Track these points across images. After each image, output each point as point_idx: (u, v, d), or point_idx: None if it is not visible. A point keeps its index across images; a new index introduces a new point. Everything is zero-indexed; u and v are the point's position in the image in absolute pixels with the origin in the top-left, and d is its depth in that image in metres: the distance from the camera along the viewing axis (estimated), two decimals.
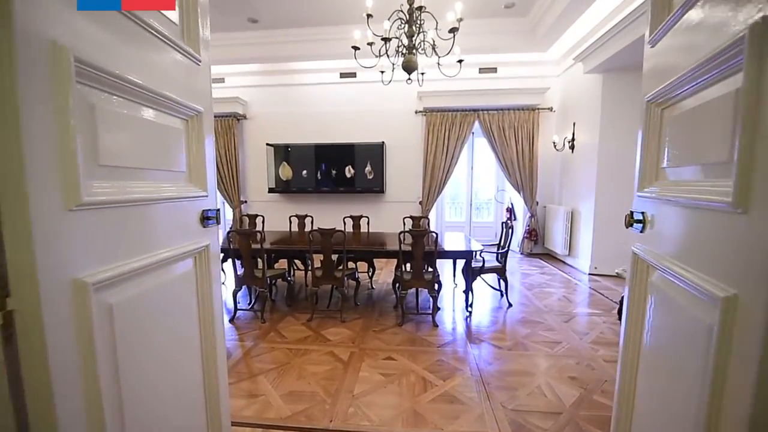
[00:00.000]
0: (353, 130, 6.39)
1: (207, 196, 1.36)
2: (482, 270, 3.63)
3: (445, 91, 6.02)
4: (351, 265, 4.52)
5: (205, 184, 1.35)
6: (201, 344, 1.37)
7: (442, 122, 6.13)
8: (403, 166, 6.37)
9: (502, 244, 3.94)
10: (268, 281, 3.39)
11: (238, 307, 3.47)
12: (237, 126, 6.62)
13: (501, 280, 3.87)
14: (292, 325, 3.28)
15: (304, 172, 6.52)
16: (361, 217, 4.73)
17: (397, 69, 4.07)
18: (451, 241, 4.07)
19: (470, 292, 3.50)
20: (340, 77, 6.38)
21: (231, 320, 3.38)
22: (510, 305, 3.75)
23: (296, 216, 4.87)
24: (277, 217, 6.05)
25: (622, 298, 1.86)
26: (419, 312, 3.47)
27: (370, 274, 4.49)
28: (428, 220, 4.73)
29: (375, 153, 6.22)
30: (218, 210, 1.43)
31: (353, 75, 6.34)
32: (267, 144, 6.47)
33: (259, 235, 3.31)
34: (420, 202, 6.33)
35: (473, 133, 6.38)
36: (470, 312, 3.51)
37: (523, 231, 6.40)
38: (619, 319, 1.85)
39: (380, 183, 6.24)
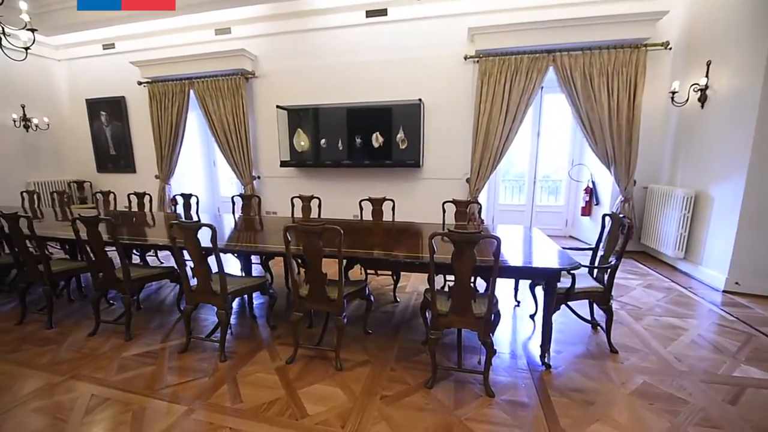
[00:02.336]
0: (383, 85, 4.98)
1: None
2: (571, 295, 2.20)
3: (508, 25, 4.36)
4: (363, 270, 3.32)
5: None
6: None
7: (502, 70, 4.50)
8: (447, 131, 4.89)
9: (604, 250, 2.45)
10: (230, 299, 2.26)
11: (192, 335, 2.40)
12: (245, 86, 5.50)
13: (597, 308, 2.43)
14: (261, 369, 2.14)
15: (323, 141, 5.28)
16: (384, 200, 3.43)
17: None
18: (510, 240, 2.64)
19: (549, 332, 2.11)
20: (367, 16, 4.92)
21: (182, 351, 2.34)
22: (612, 350, 2.30)
23: (299, 197, 3.69)
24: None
25: None
26: (462, 366, 2.14)
27: (393, 278, 3.22)
28: (479, 206, 3.32)
29: (410, 115, 4.79)
30: None
31: (383, 12, 4.86)
32: (278, 107, 5.29)
33: (210, 228, 2.15)
34: (467, 180, 4.85)
35: (542, 87, 4.67)
36: (548, 365, 2.13)
37: None
38: None
39: (416, 154, 4.84)
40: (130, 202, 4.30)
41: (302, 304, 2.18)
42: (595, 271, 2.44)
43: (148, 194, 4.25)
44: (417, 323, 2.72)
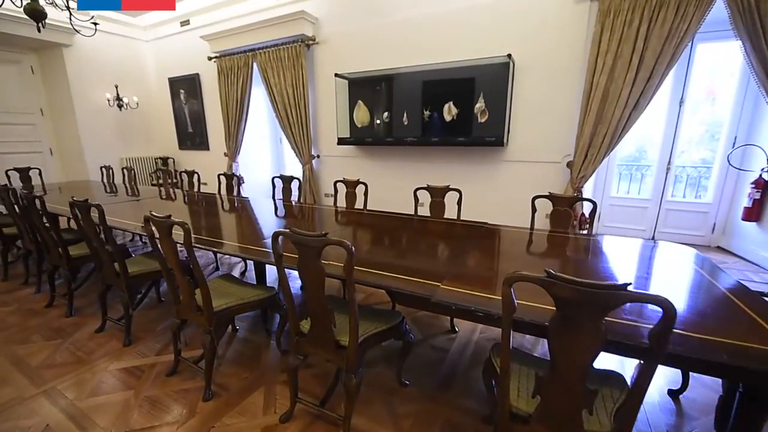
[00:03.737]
0: (460, 42, 3.94)
1: None
2: None
3: None
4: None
5: None
6: None
7: (636, 7, 3.11)
8: (543, 98, 3.67)
9: None
10: (214, 320, 1.67)
11: (182, 357, 1.91)
12: (305, 54, 4.95)
13: None
14: (245, 425, 1.53)
15: (385, 114, 4.50)
16: (447, 190, 2.54)
17: None
18: (630, 267, 1.57)
19: None
20: None
21: (170, 374, 1.87)
22: None
23: (343, 182, 3.00)
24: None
25: None
26: None
27: None
28: (593, 205, 2.20)
29: (493, 78, 3.69)
30: None
31: None
32: (336, 75, 4.63)
33: (182, 227, 1.56)
34: (569, 164, 3.62)
35: (694, 36, 3.12)
36: None
37: None
38: None
39: (499, 129, 3.75)
40: (181, 180, 4.13)
41: (300, 346, 1.49)
42: None
43: (196, 173, 4.02)
44: (479, 376, 1.85)
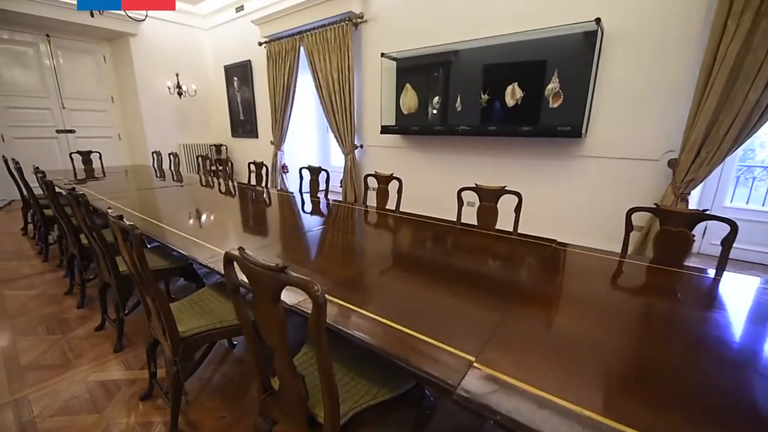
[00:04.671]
0: (530, 7, 3.21)
1: None
2: None
3: None
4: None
5: None
6: None
7: None
8: (639, 78, 2.81)
9: None
10: (181, 348, 1.31)
11: (156, 380, 1.60)
12: (352, 34, 4.53)
13: None
14: None
15: (436, 98, 3.92)
16: (502, 192, 1.94)
17: None
18: None
19: None
20: None
21: (143, 398, 1.58)
22: None
23: (375, 176, 2.53)
24: (401, 173, 3.73)
25: None
26: None
27: None
28: (734, 228, 1.46)
29: (573, 50, 2.93)
30: None
31: None
32: (382, 55, 4.14)
33: (130, 231, 1.20)
34: (671, 163, 2.75)
35: None
36: None
37: None
38: None
39: (577, 116, 2.98)
40: (216, 168, 3.98)
41: (269, 406, 1.06)
42: None
43: (230, 161, 3.83)
44: None
